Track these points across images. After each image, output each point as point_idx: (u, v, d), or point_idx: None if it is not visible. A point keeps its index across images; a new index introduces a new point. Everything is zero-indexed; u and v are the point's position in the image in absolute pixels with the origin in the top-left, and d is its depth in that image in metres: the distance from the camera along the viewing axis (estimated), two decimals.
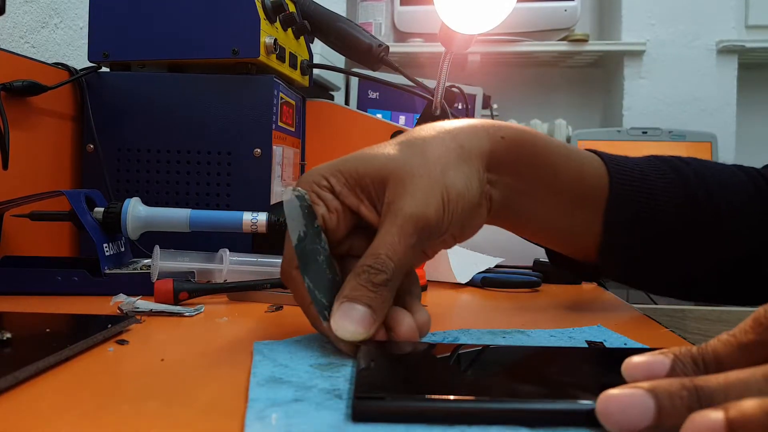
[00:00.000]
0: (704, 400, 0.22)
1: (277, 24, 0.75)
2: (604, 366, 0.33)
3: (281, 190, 0.75)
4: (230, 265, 0.56)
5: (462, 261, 0.68)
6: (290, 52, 0.78)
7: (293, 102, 0.80)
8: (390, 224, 0.36)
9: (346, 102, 1.82)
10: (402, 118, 1.73)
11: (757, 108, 2.14)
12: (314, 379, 0.31)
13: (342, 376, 0.31)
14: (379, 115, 1.08)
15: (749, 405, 0.20)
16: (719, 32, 2.02)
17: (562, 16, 2.02)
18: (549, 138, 0.46)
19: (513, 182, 0.44)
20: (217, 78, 0.71)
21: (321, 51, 1.26)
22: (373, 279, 0.35)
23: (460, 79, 1.83)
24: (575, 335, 0.42)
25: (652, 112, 2.05)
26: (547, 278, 0.67)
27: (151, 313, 0.47)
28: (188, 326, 0.45)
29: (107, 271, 0.56)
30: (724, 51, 2.02)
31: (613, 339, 0.41)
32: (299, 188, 0.39)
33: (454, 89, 0.98)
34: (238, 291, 0.53)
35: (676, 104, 2.04)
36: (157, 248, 0.55)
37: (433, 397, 0.25)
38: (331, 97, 1.50)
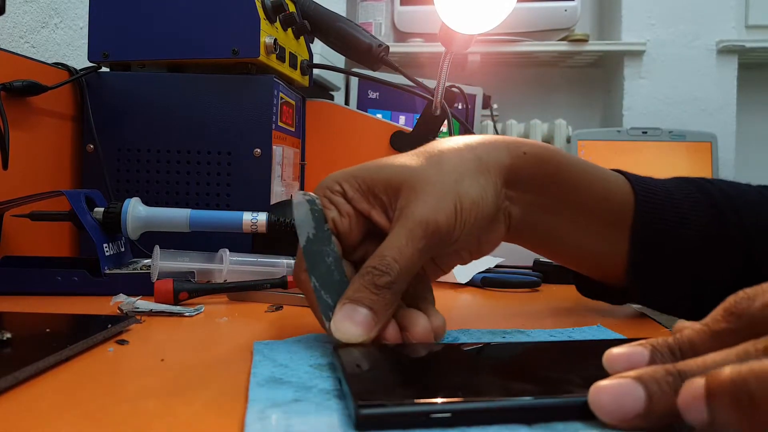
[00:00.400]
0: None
1: (277, 24, 0.75)
2: (588, 358, 0.32)
3: (281, 190, 0.75)
4: (230, 265, 0.56)
5: None
6: (290, 52, 0.78)
7: (293, 102, 0.80)
8: (399, 228, 0.37)
9: (346, 102, 1.82)
10: (402, 118, 1.73)
11: (757, 108, 2.14)
12: (314, 379, 0.31)
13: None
14: (379, 115, 1.09)
15: (725, 371, 0.21)
16: (719, 32, 2.02)
17: (562, 16, 2.02)
18: (572, 156, 0.45)
19: (535, 199, 0.43)
20: (217, 78, 0.71)
21: (321, 51, 1.26)
22: (376, 281, 0.35)
23: (460, 79, 1.83)
24: (575, 335, 0.42)
25: (652, 112, 2.05)
26: (547, 278, 0.67)
27: (151, 313, 0.47)
28: (188, 326, 0.45)
29: (107, 271, 0.56)
30: (724, 51, 2.02)
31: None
32: (310, 192, 0.39)
33: (454, 89, 0.98)
34: (238, 291, 0.53)
35: (676, 104, 2.04)
36: (157, 248, 0.55)
37: (434, 400, 0.25)
38: (331, 97, 1.50)
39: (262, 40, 0.69)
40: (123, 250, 0.61)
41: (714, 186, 0.49)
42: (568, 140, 2.04)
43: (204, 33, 0.70)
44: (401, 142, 0.85)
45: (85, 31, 0.73)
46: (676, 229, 0.46)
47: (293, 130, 0.81)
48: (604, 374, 0.25)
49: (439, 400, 0.25)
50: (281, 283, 0.53)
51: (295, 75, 0.81)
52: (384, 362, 0.32)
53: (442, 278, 0.67)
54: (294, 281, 0.40)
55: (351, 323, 0.34)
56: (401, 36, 2.14)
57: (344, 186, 0.39)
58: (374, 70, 0.89)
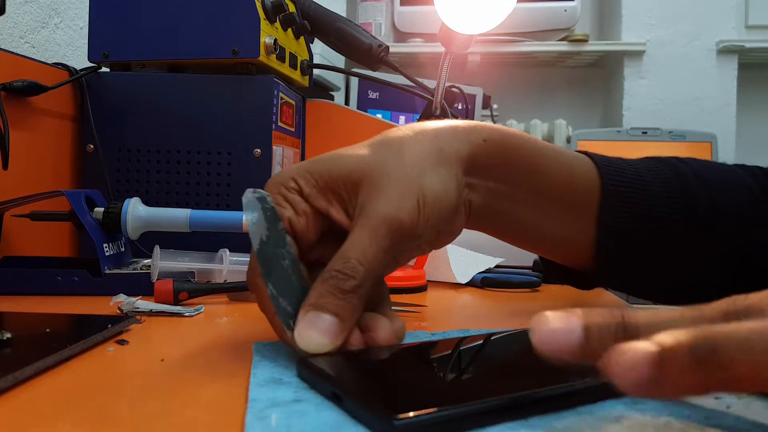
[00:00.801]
0: (631, 331, 0.23)
1: (277, 24, 0.75)
2: None
3: None
4: (230, 265, 0.56)
5: (462, 261, 0.68)
6: (290, 52, 0.78)
7: (293, 102, 0.80)
8: (362, 227, 0.34)
9: (346, 102, 1.82)
10: (402, 118, 1.73)
11: (757, 108, 2.14)
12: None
13: None
14: (379, 115, 1.09)
15: (680, 334, 0.20)
16: (719, 32, 2.02)
17: (562, 16, 2.02)
18: (536, 140, 0.44)
19: (495, 186, 0.42)
20: (217, 78, 0.71)
21: (321, 51, 1.26)
22: (341, 285, 0.33)
23: (460, 79, 1.84)
24: None
25: (652, 112, 2.05)
26: (547, 278, 0.67)
27: (151, 313, 0.47)
28: (188, 326, 0.45)
29: (107, 271, 0.56)
30: (724, 51, 2.02)
31: None
32: (260, 190, 0.36)
33: (454, 89, 0.98)
34: (238, 291, 0.53)
35: (676, 104, 2.05)
36: (157, 248, 0.55)
37: (467, 403, 0.25)
38: (331, 97, 1.50)
39: (262, 40, 0.69)
40: (123, 250, 0.61)
41: (687, 165, 0.48)
42: (568, 140, 2.04)
43: (204, 33, 0.70)
44: None
45: (85, 31, 0.73)
46: (644, 211, 0.45)
47: (293, 130, 0.81)
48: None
49: (471, 401, 0.25)
50: None
51: (295, 75, 0.81)
52: (372, 369, 0.31)
53: (442, 278, 0.68)
54: (249, 286, 0.37)
55: (316, 332, 0.32)
56: (401, 36, 2.14)
57: (299, 182, 0.37)
58: (374, 71, 0.89)
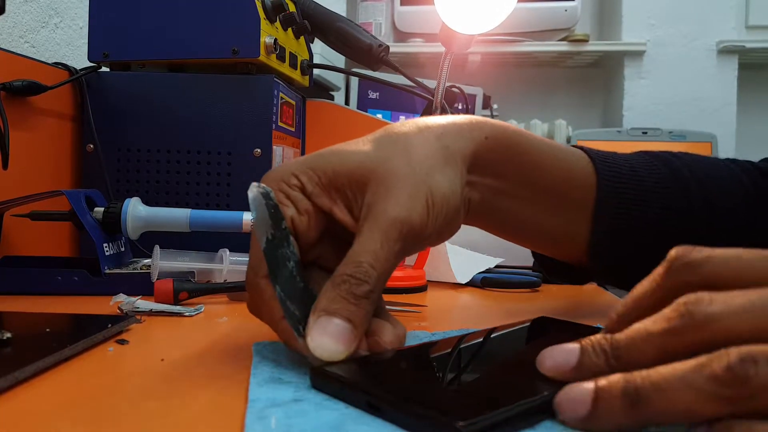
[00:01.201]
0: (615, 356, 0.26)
1: (277, 24, 0.75)
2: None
3: None
4: (230, 265, 0.56)
5: (462, 261, 0.68)
6: (290, 52, 0.78)
7: (293, 102, 0.80)
8: (371, 229, 0.33)
9: (346, 102, 1.82)
10: (402, 118, 1.73)
11: (757, 108, 2.14)
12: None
13: None
14: (379, 115, 1.09)
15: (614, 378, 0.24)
16: (719, 32, 2.02)
17: (562, 16, 2.02)
18: (534, 136, 0.44)
19: (494, 183, 0.42)
20: (217, 78, 0.71)
21: (321, 51, 1.26)
22: (354, 290, 0.31)
23: (460, 79, 1.84)
24: None
25: (652, 112, 2.05)
26: (547, 278, 0.67)
27: (151, 313, 0.47)
28: (188, 326, 0.45)
29: (107, 271, 0.56)
30: (724, 51, 2.02)
31: None
32: (264, 185, 0.34)
33: (454, 89, 0.98)
34: (238, 291, 0.53)
35: (676, 104, 2.05)
36: (157, 248, 0.55)
37: (527, 400, 0.25)
38: (331, 97, 1.50)
39: (262, 40, 0.69)
40: (123, 250, 0.61)
41: (680, 161, 0.48)
42: (568, 140, 2.04)
43: (204, 33, 0.70)
44: None
45: (85, 31, 0.73)
46: (639, 207, 0.45)
47: (293, 130, 0.81)
48: None
49: (521, 400, 0.25)
50: None
51: (295, 75, 0.81)
52: (399, 375, 0.31)
53: (442, 278, 0.67)
54: (248, 287, 0.35)
55: (330, 338, 0.30)
56: (401, 36, 2.14)
57: (302, 179, 0.35)
58: (374, 70, 0.89)
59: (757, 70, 2.12)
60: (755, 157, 0.53)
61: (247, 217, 0.58)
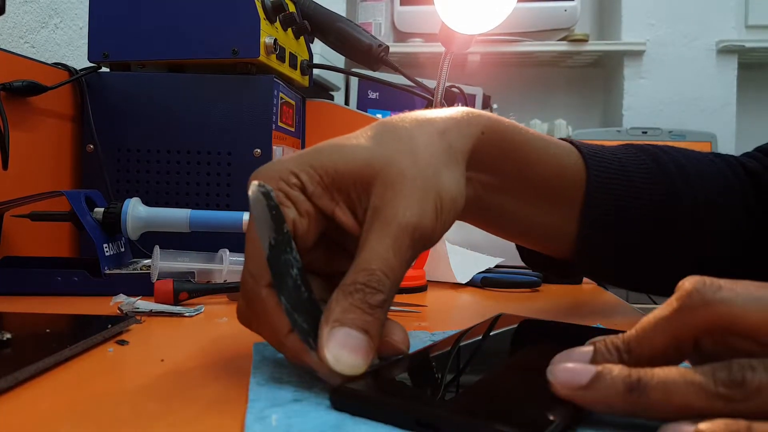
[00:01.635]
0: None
1: (277, 24, 0.75)
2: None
3: None
4: (230, 265, 0.56)
5: (462, 261, 0.68)
6: (290, 52, 0.78)
7: (293, 102, 0.80)
8: (381, 235, 0.31)
9: (346, 102, 1.82)
10: None
11: (757, 108, 2.14)
12: (314, 379, 0.31)
13: None
14: (379, 115, 1.09)
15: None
16: (719, 32, 2.02)
17: (562, 16, 2.03)
18: (526, 130, 0.43)
19: (487, 179, 0.41)
20: (217, 78, 0.71)
21: (321, 51, 1.26)
22: (369, 300, 0.29)
23: (460, 79, 1.84)
24: None
25: (652, 112, 2.05)
26: (547, 278, 0.67)
27: (151, 314, 0.47)
28: (188, 326, 0.45)
29: (107, 272, 0.56)
30: (724, 51, 2.02)
31: None
32: (265, 184, 0.31)
33: (454, 89, 0.98)
34: (238, 291, 0.53)
35: (676, 104, 2.05)
36: (157, 248, 0.55)
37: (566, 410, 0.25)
38: (331, 97, 1.50)
39: (262, 40, 0.69)
40: (123, 250, 0.61)
41: (667, 155, 0.48)
42: None
43: (204, 33, 0.70)
44: None
45: (85, 31, 0.73)
46: (627, 202, 0.45)
47: (293, 130, 0.81)
48: None
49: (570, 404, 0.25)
50: None
51: (295, 75, 0.81)
52: (435, 386, 0.29)
53: (442, 278, 0.67)
54: (245, 296, 0.32)
55: (349, 352, 0.28)
56: (401, 36, 2.14)
57: (301, 177, 0.32)
58: (374, 70, 0.89)
59: (756, 70, 2.12)
60: None
61: (247, 217, 0.58)
